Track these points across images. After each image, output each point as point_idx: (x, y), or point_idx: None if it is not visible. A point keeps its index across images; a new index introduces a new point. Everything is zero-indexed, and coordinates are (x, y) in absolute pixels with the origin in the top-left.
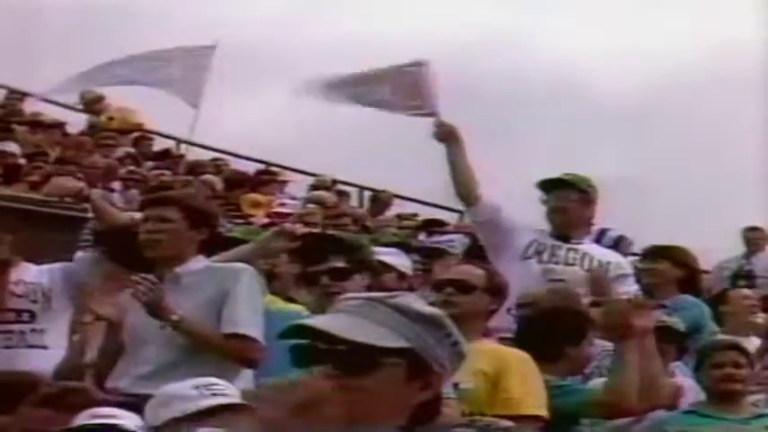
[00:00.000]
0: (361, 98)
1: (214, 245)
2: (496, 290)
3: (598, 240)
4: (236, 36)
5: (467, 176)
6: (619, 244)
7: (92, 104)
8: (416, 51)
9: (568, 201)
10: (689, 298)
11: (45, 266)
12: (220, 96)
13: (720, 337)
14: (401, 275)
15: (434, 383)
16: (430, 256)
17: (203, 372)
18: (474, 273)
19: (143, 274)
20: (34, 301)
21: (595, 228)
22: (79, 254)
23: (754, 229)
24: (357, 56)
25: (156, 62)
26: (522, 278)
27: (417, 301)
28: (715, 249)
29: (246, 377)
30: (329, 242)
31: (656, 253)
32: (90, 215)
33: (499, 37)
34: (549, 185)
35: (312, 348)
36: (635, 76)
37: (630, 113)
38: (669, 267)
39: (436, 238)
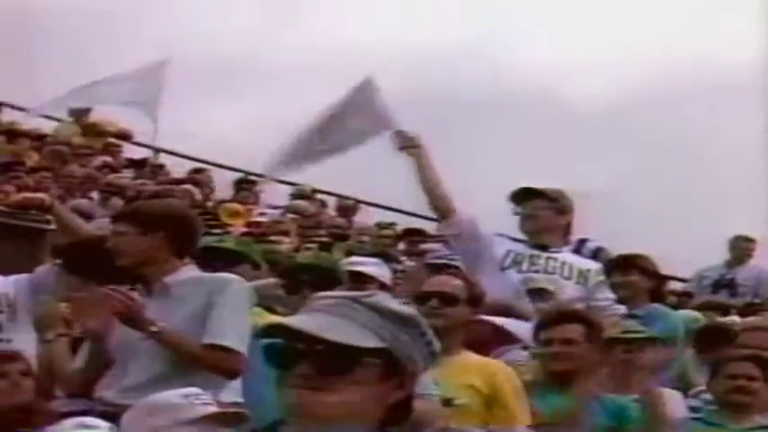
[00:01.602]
0: (328, 150)
1: (211, 257)
2: (476, 300)
3: (577, 250)
4: (210, 48)
5: (437, 188)
6: (597, 255)
7: (79, 114)
8: (390, 60)
9: (539, 208)
10: (662, 307)
11: (12, 277)
12: (198, 107)
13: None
14: (382, 286)
15: (408, 383)
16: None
17: (191, 384)
18: (455, 284)
19: (115, 287)
20: (0, 312)
21: (574, 238)
22: (43, 266)
23: (746, 239)
24: (330, 64)
25: (120, 83)
26: (499, 289)
27: (392, 301)
28: (694, 260)
29: (235, 388)
30: (306, 271)
31: (626, 264)
32: (52, 227)
33: (473, 44)
34: (519, 196)
35: (288, 348)
36: (612, 84)
37: (607, 122)
38: (641, 278)
39: (439, 252)
